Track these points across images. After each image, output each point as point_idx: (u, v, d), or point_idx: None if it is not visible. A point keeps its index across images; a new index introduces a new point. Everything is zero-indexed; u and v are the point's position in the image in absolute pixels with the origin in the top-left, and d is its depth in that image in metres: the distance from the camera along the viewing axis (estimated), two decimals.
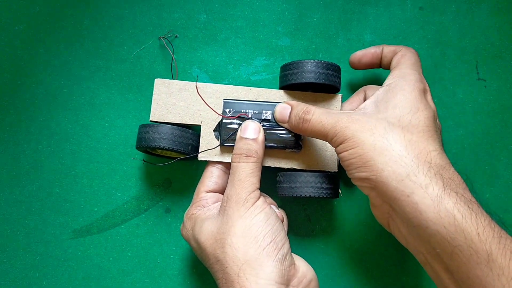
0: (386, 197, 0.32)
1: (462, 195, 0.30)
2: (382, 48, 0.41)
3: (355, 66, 0.43)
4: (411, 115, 0.34)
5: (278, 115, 0.38)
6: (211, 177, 0.40)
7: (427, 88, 0.37)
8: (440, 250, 0.30)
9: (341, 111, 0.36)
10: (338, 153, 0.34)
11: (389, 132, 0.33)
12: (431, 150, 0.33)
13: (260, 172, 0.37)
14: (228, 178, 0.41)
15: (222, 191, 0.40)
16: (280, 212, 0.39)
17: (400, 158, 0.32)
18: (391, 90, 0.36)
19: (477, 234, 0.29)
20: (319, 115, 0.35)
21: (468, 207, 0.30)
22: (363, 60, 0.42)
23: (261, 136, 0.38)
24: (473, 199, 0.31)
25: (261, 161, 0.38)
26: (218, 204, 0.38)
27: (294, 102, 0.38)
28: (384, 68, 0.42)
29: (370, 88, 0.42)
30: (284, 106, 0.38)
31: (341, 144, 0.34)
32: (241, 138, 0.38)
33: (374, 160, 0.32)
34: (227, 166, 0.41)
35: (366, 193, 0.35)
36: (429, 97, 0.37)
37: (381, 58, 0.41)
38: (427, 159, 0.32)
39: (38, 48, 0.45)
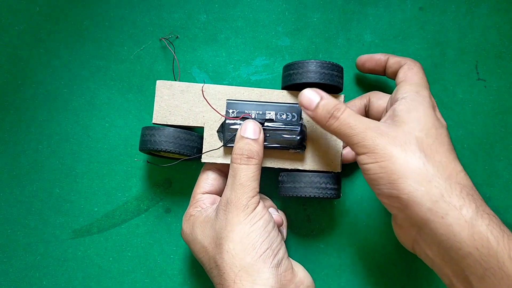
0: (417, 218, 0.31)
1: (494, 216, 0.30)
2: (388, 58, 0.41)
3: (359, 69, 0.44)
4: (435, 130, 0.34)
5: (305, 100, 0.36)
6: (207, 180, 0.40)
7: (436, 104, 0.37)
8: (470, 272, 0.30)
9: (368, 119, 0.35)
10: (362, 163, 0.34)
11: (420, 151, 0.32)
12: (459, 170, 0.32)
13: (260, 175, 0.37)
14: (224, 180, 0.41)
15: (218, 193, 0.40)
16: (280, 215, 0.39)
17: (433, 178, 0.31)
18: (409, 103, 0.35)
19: (509, 257, 0.29)
20: (349, 115, 0.34)
21: (500, 229, 0.30)
22: (366, 65, 0.43)
23: (261, 137, 0.38)
24: (502, 222, 0.31)
25: (261, 163, 0.37)
26: (215, 205, 0.38)
27: (324, 93, 0.36)
28: (388, 77, 0.42)
29: (375, 95, 0.42)
30: (313, 93, 0.36)
31: (368, 153, 0.33)
32: (242, 137, 0.37)
33: (407, 177, 0.31)
34: (223, 169, 0.40)
35: (393, 213, 0.34)
36: (438, 113, 0.36)
37: (385, 66, 0.41)
38: (457, 180, 0.32)
39: (38, 48, 0.45)
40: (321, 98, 0.36)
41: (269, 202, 0.41)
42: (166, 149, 0.38)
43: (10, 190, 0.44)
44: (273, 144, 0.39)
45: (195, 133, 0.39)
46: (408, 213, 0.32)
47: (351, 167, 0.44)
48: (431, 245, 0.32)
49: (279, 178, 0.40)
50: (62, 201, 0.44)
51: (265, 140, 0.38)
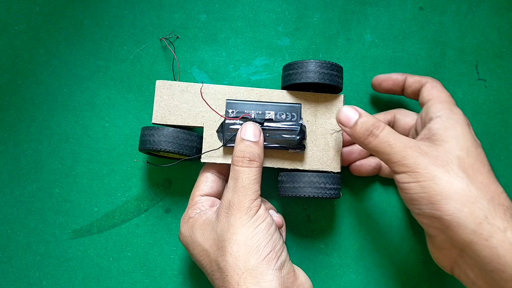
0: (459, 240, 0.31)
1: None
2: (406, 77, 0.41)
3: (375, 89, 0.43)
4: (474, 149, 0.34)
5: (343, 117, 0.36)
6: (206, 182, 0.40)
7: (470, 122, 0.37)
8: None
9: (407, 137, 0.34)
10: (401, 181, 0.33)
11: (462, 171, 0.32)
12: (501, 192, 0.32)
13: (261, 177, 0.37)
14: (222, 182, 0.40)
15: (217, 195, 0.40)
16: (279, 217, 0.39)
17: (476, 199, 0.31)
18: (445, 121, 0.35)
19: None
20: (388, 133, 0.34)
21: None
22: (383, 85, 0.42)
23: (261, 139, 0.37)
24: None
25: (262, 165, 0.37)
26: (215, 208, 0.38)
27: (362, 110, 0.36)
28: (406, 97, 0.42)
29: (401, 112, 0.42)
30: (352, 111, 0.36)
31: (409, 172, 0.33)
32: (242, 139, 0.37)
33: (450, 198, 0.31)
34: (222, 171, 0.40)
35: (432, 234, 0.34)
36: (473, 132, 0.36)
37: (403, 86, 0.41)
38: (500, 201, 0.31)
39: (38, 48, 0.45)
40: (360, 116, 0.35)
41: (268, 204, 0.41)
42: (165, 149, 0.38)
43: (10, 190, 0.44)
44: (273, 144, 0.38)
45: (194, 133, 0.39)
46: (450, 234, 0.32)
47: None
48: (473, 267, 0.32)
49: (279, 178, 0.40)
50: (62, 201, 0.44)
51: (264, 140, 0.38)
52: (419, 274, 0.43)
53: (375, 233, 0.44)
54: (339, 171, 0.40)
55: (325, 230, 0.44)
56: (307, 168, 0.39)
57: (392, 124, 0.42)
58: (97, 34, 0.45)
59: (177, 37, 0.45)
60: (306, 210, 0.44)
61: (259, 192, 0.36)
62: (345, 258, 0.44)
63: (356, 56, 0.45)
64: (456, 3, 0.46)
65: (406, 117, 0.41)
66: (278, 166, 0.39)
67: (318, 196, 0.38)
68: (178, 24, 0.46)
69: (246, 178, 0.35)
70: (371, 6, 0.46)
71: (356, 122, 0.35)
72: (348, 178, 0.44)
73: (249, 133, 0.37)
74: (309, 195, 0.38)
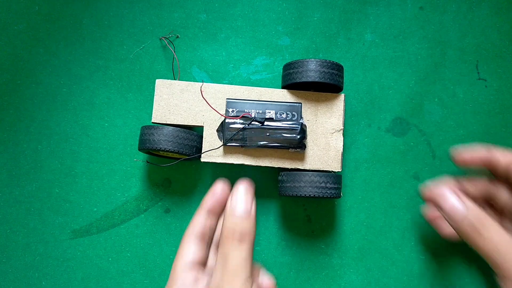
0: None
1: None
2: (494, 154, 0.37)
3: (458, 164, 0.39)
4: None
5: (448, 208, 0.33)
6: (189, 249, 0.35)
7: None
8: None
9: None
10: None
11: None
12: None
13: (253, 253, 0.33)
14: (207, 247, 0.37)
15: (201, 261, 0.36)
16: (270, 279, 0.36)
17: None
18: None
19: None
20: (496, 235, 0.32)
21: None
22: (468, 163, 0.39)
23: (253, 210, 0.34)
24: None
25: (254, 240, 0.34)
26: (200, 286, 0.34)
27: (467, 200, 0.33)
28: (496, 176, 0.39)
29: (499, 187, 0.38)
30: (458, 201, 0.33)
31: None
32: (232, 214, 0.33)
33: None
34: (206, 233, 0.36)
35: None
36: None
37: (492, 164, 0.38)
38: None
39: (38, 48, 0.45)
40: (467, 209, 0.33)
41: (256, 264, 0.38)
42: (165, 149, 0.38)
43: (10, 190, 0.44)
44: (273, 143, 0.38)
45: (194, 132, 0.39)
46: None
47: (351, 166, 0.44)
48: None
49: (279, 177, 0.40)
50: (61, 201, 0.44)
51: (265, 139, 0.38)
52: (420, 274, 0.43)
53: (375, 233, 0.44)
54: (340, 170, 0.40)
55: (326, 230, 0.44)
56: (307, 168, 0.39)
57: (489, 197, 0.39)
58: (96, 33, 0.45)
59: (177, 37, 0.45)
60: (307, 210, 0.44)
61: (250, 271, 0.33)
62: (346, 258, 0.43)
63: (356, 56, 0.45)
64: (456, 3, 0.46)
65: (502, 194, 0.38)
66: (279, 166, 0.39)
67: (318, 195, 0.38)
68: (178, 24, 0.46)
69: (237, 258, 0.32)
70: (372, 5, 0.46)
71: (463, 216, 0.33)
72: (348, 178, 0.44)
73: (239, 206, 0.34)
74: (309, 195, 0.38)
